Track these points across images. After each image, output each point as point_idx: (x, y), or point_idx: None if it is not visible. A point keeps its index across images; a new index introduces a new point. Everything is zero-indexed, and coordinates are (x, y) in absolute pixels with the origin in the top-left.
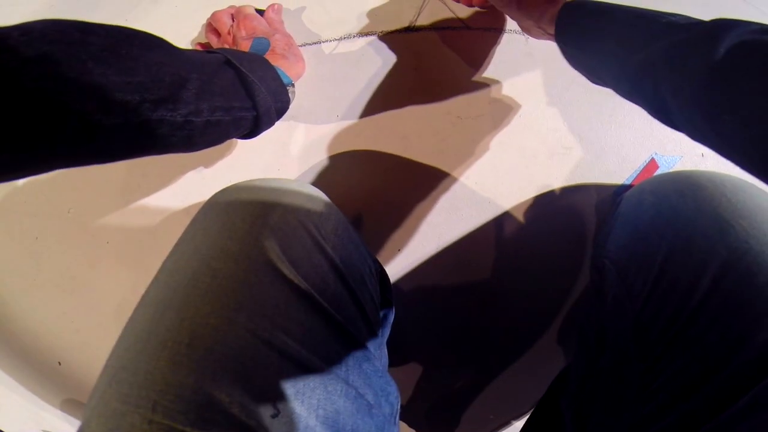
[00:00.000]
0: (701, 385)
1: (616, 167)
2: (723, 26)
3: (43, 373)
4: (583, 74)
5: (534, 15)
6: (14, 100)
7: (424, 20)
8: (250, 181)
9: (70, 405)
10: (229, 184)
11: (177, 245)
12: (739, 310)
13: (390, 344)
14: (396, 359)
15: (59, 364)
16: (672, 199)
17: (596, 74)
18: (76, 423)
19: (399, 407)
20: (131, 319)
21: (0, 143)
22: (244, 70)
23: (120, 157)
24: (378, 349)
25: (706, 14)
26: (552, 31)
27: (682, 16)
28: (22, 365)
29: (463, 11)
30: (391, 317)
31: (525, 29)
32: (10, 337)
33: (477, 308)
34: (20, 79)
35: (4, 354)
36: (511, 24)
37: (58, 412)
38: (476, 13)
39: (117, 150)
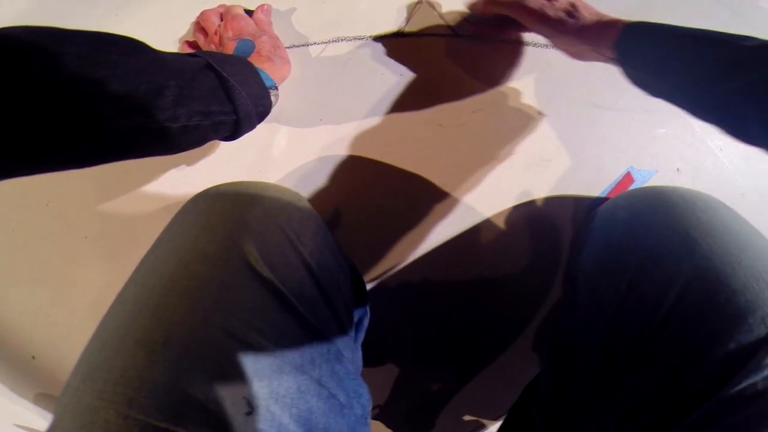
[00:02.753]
0: (661, 397)
1: (593, 179)
2: None
3: (17, 366)
4: (646, 92)
5: (589, 39)
6: None
7: (413, 27)
8: (230, 183)
9: (43, 399)
10: (210, 186)
11: (155, 246)
12: (699, 326)
13: (366, 346)
14: (373, 360)
15: (33, 357)
16: (644, 216)
17: (665, 96)
18: (50, 417)
19: (370, 409)
20: (106, 317)
21: None
22: (225, 74)
23: (94, 163)
24: (351, 353)
25: (739, 27)
26: (611, 54)
27: (754, 38)
28: None
29: (453, 18)
30: (366, 321)
31: (575, 54)
32: None
33: (454, 313)
34: None
35: None
36: (500, 33)
37: (31, 405)
38: (466, 21)
39: (91, 157)
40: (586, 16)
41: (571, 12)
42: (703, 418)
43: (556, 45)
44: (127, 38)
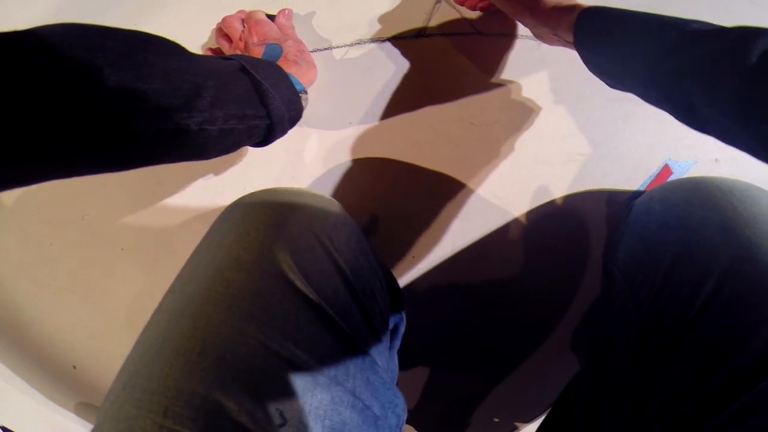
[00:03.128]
0: (699, 387)
1: (630, 173)
2: (751, 33)
3: (58, 376)
4: (603, 80)
5: (549, 23)
6: (28, 107)
7: (435, 25)
8: (265, 190)
9: (83, 408)
10: (244, 193)
11: (193, 255)
12: (738, 317)
13: (399, 350)
14: (405, 363)
15: (74, 368)
16: (679, 208)
17: (619, 81)
18: (89, 426)
19: (405, 418)
20: (148, 326)
21: (14, 149)
22: (258, 77)
23: (134, 165)
24: (386, 361)
25: (717, 18)
26: (569, 38)
27: (704, 22)
28: (37, 369)
29: (474, 15)
30: (402, 328)
31: (539, 36)
32: (26, 341)
33: (488, 313)
34: (36, 86)
35: (20, 358)
36: (523, 30)
37: (72, 415)
38: (487, 17)
39: (131, 159)
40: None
41: None
42: (743, 410)
43: (525, 26)
44: (162, 38)
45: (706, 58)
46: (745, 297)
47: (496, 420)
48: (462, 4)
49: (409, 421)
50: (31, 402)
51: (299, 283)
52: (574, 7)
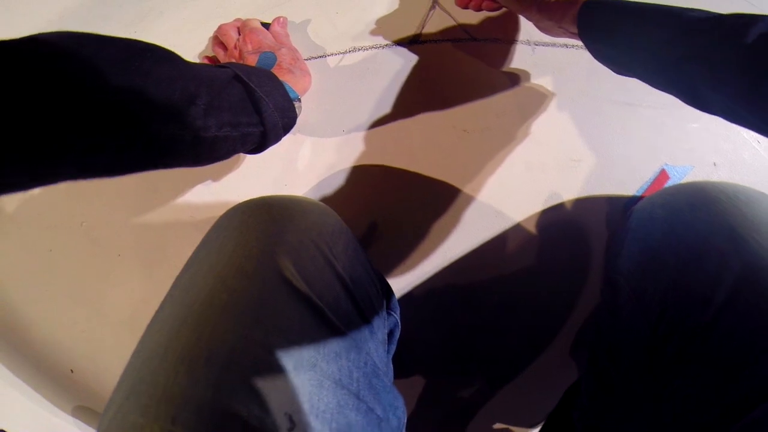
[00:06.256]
0: (712, 400)
1: (626, 178)
2: (750, 17)
3: (56, 380)
4: (609, 67)
5: (555, 16)
6: (26, 112)
7: (429, 32)
8: (261, 198)
9: (81, 412)
10: (241, 201)
11: (190, 262)
12: (753, 325)
13: (395, 356)
14: (402, 371)
15: (71, 371)
16: (684, 214)
17: (624, 67)
18: (87, 429)
19: (405, 421)
20: (147, 334)
21: (7, 153)
22: (252, 85)
23: (127, 171)
24: (385, 366)
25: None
26: (574, 29)
27: (702, 11)
28: (35, 372)
29: (469, 21)
30: (397, 333)
31: (544, 29)
32: (25, 344)
33: (484, 321)
34: (33, 92)
35: (19, 361)
36: (519, 35)
37: (70, 418)
38: (482, 23)
39: (125, 164)
40: None
41: None
42: (758, 420)
43: (530, 21)
44: (159, 47)
45: (708, 43)
46: (758, 305)
47: (495, 427)
48: (465, 7)
49: (407, 429)
50: (29, 405)
51: (303, 290)
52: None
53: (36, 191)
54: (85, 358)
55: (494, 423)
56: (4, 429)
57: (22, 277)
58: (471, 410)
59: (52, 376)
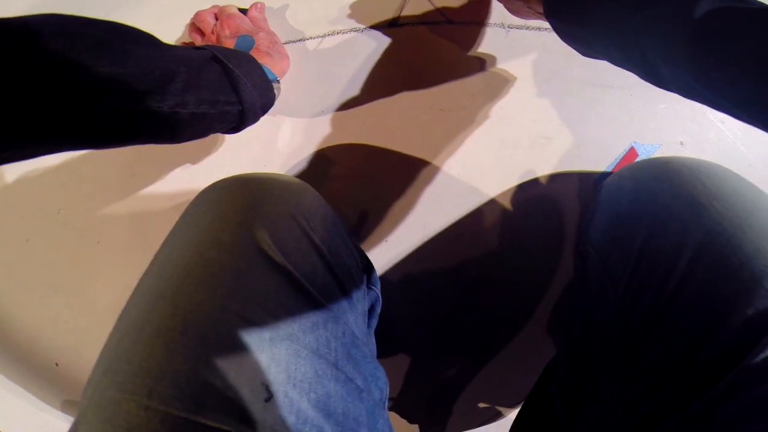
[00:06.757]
0: (680, 369)
1: (597, 156)
2: None
3: (42, 374)
4: (576, 48)
5: None
6: (11, 87)
7: (406, 15)
8: (238, 175)
9: (70, 406)
10: (219, 179)
11: (169, 237)
12: (714, 292)
13: (378, 335)
14: (385, 350)
15: (56, 365)
16: (649, 184)
17: (589, 47)
18: None
19: (388, 392)
20: (124, 311)
21: None
22: (230, 65)
23: (107, 144)
24: (366, 337)
25: None
26: (540, 9)
27: None
28: (20, 367)
29: (445, 4)
30: (378, 308)
31: (514, 11)
32: (7, 339)
33: (465, 298)
34: (18, 67)
35: (2, 357)
36: (492, 18)
37: (59, 413)
38: (459, 6)
39: (104, 137)
40: None
41: None
42: (728, 390)
43: (500, 2)
44: (139, 30)
45: (660, 16)
46: (718, 271)
47: (480, 405)
48: None
49: (392, 408)
50: (15, 401)
51: (279, 260)
52: None
53: (10, 178)
54: (70, 350)
55: (477, 402)
56: None
57: None
58: (455, 389)
59: (37, 371)
